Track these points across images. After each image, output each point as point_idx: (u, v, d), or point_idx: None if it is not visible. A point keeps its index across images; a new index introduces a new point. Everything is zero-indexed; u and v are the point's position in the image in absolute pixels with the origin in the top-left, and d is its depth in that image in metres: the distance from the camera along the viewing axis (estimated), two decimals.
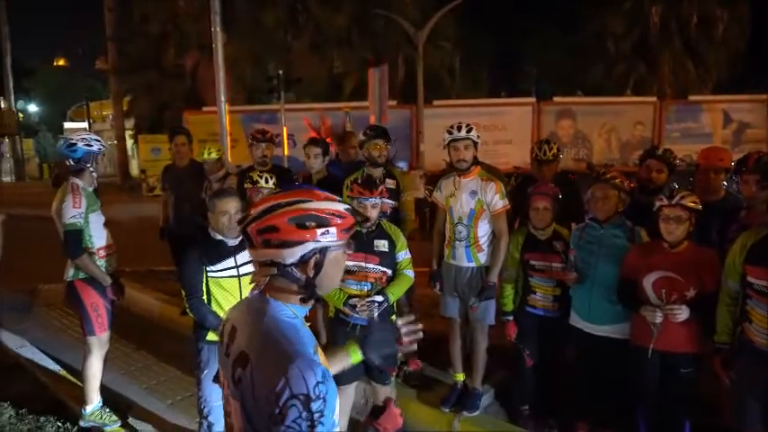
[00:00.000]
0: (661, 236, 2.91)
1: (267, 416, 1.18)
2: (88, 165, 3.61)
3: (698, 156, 3.71)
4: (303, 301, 1.36)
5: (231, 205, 2.96)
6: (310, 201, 1.33)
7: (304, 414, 1.16)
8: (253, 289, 1.41)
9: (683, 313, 2.78)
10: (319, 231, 1.31)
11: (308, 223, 1.30)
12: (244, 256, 3.02)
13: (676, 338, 2.87)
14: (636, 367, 3.06)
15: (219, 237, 3.01)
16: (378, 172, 4.14)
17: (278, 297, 1.35)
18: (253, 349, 1.27)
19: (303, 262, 1.32)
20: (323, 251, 1.33)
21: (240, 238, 3.05)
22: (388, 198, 4.07)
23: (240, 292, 3.02)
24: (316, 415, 1.17)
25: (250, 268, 3.04)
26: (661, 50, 20.03)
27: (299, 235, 1.30)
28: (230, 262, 3.00)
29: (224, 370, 1.41)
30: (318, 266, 1.33)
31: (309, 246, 1.30)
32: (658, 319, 2.83)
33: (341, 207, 1.36)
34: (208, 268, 2.97)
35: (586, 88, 21.06)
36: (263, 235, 1.31)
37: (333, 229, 1.32)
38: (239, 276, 3.02)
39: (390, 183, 4.15)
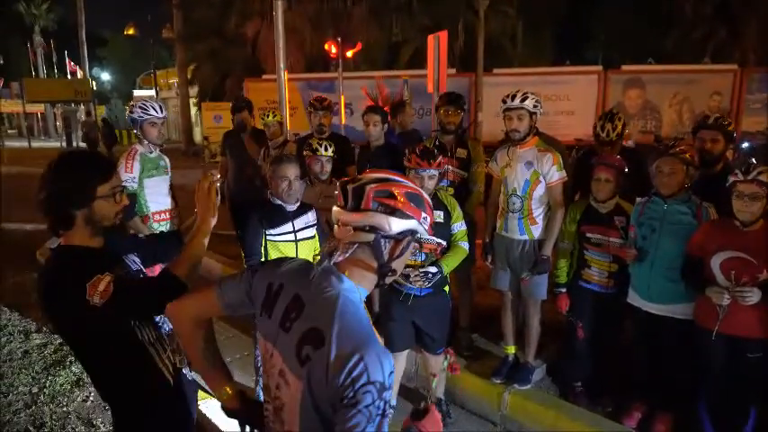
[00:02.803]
0: (731, 213, 2.74)
1: (339, 398, 1.15)
2: (135, 131, 3.82)
3: None
4: (377, 280, 1.36)
5: (291, 171, 3.04)
6: (415, 186, 1.37)
7: (377, 402, 1.15)
8: (324, 255, 1.37)
9: (753, 296, 2.62)
10: (423, 215, 1.35)
11: (415, 203, 1.34)
12: (301, 221, 3.13)
13: (744, 322, 2.72)
14: (699, 350, 2.95)
15: (279, 202, 3.09)
16: (449, 139, 4.11)
17: (352, 275, 1.34)
18: (330, 329, 1.22)
19: (397, 239, 1.33)
20: (413, 235, 1.35)
21: (298, 204, 3.14)
22: (458, 168, 4.05)
23: (297, 255, 3.12)
24: (386, 405, 1.16)
25: (307, 234, 3.16)
26: (746, 13, 18.44)
27: (410, 210, 1.32)
28: (288, 227, 3.09)
29: (273, 338, 1.36)
30: (404, 250, 1.36)
31: (412, 223, 1.33)
32: (725, 302, 2.69)
33: (431, 203, 1.41)
34: (267, 232, 3.07)
35: (659, 55, 19.77)
36: (380, 198, 1.31)
37: (428, 219, 1.37)
38: (296, 241, 3.12)
39: (462, 152, 4.10)
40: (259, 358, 3.18)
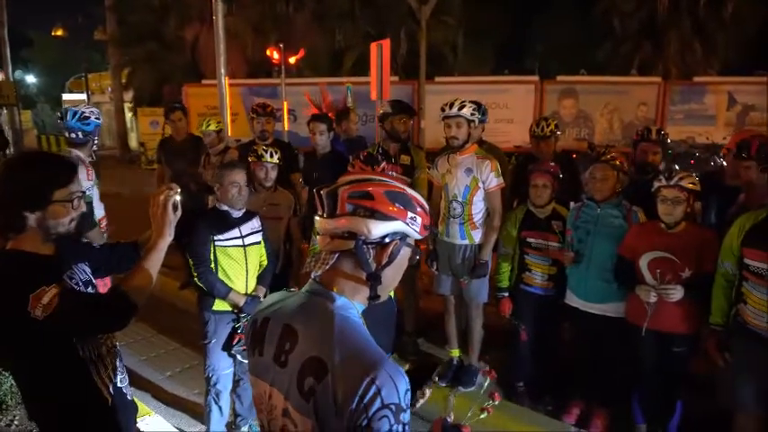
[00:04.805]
0: (657, 216, 2.91)
1: (352, 428, 1.04)
2: (96, 138, 3.69)
3: (729, 141, 3.70)
4: (369, 296, 1.23)
5: (240, 176, 3.06)
6: (400, 184, 1.24)
7: (395, 427, 1.04)
8: (313, 268, 1.22)
9: (676, 293, 2.80)
10: (409, 214, 1.20)
11: (399, 202, 1.20)
12: (247, 227, 3.14)
13: (670, 318, 2.90)
14: (631, 346, 3.10)
15: (225, 208, 3.08)
16: (394, 147, 4.14)
17: (343, 290, 1.21)
18: (330, 355, 1.09)
19: (383, 245, 1.19)
20: (403, 238, 1.22)
21: (244, 211, 3.13)
22: (402, 174, 4.08)
23: (246, 260, 3.12)
24: (406, 427, 1.06)
25: (254, 239, 3.15)
26: (668, 30, 19.72)
27: (391, 210, 1.18)
28: (236, 232, 3.08)
29: (269, 377, 1.21)
30: (393, 256, 1.21)
31: (397, 225, 1.19)
32: (652, 299, 2.86)
33: (424, 201, 1.27)
34: (215, 237, 3.04)
35: (592, 67, 20.77)
36: (354, 200, 1.18)
37: (419, 219, 1.22)
38: (245, 246, 3.11)
39: (405, 159, 4.15)
40: (210, 369, 3.11)
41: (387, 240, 1.20)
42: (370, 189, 1.19)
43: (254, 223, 3.21)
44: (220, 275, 3.06)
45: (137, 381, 4.02)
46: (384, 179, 1.23)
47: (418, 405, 1.45)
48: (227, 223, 3.08)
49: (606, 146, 3.99)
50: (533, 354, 3.65)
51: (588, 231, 3.24)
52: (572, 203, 3.49)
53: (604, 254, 3.17)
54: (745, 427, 2.72)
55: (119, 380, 1.86)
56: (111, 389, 1.81)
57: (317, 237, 1.25)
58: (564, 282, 3.41)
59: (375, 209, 1.17)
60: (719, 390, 2.88)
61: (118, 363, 1.88)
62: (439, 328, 4.08)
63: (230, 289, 3.05)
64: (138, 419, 3.44)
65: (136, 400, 2.08)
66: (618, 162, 3.18)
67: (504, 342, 3.94)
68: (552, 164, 3.55)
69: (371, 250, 1.20)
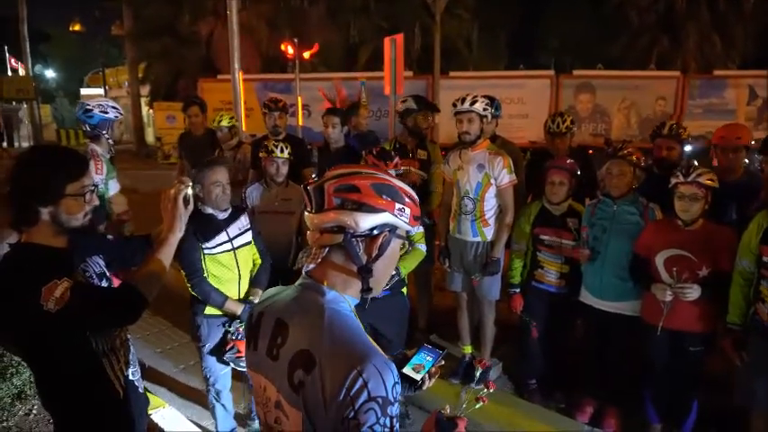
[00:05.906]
0: (676, 213, 2.87)
1: (339, 420, 1.04)
2: (104, 132, 3.66)
3: (714, 135, 3.60)
4: (362, 289, 1.23)
5: (222, 175, 2.87)
6: (387, 176, 1.24)
7: (382, 419, 1.04)
8: (305, 263, 1.23)
9: (693, 292, 2.76)
10: (397, 206, 1.20)
11: (386, 194, 1.20)
12: (235, 228, 2.99)
13: (686, 317, 2.86)
14: (645, 345, 3.07)
15: (209, 210, 2.91)
16: (412, 142, 4.14)
17: (334, 284, 1.21)
18: (319, 348, 1.10)
19: (372, 237, 1.20)
20: (392, 230, 1.22)
21: (229, 212, 2.99)
22: (419, 169, 4.09)
23: (237, 265, 3.01)
24: (393, 420, 1.06)
25: (243, 240, 3.02)
26: (687, 23, 19.37)
27: (379, 202, 1.18)
28: (223, 236, 2.94)
29: (264, 369, 1.23)
30: (383, 248, 1.21)
31: (385, 217, 1.19)
32: (668, 298, 2.82)
33: (413, 192, 1.26)
34: (203, 246, 2.90)
35: (608, 61, 20.50)
36: (340, 194, 1.18)
37: (407, 210, 1.22)
38: (234, 249, 2.98)
39: (422, 154, 4.15)
40: (207, 370, 3.10)
41: (375, 233, 1.20)
42: (356, 182, 1.19)
43: (243, 221, 3.03)
44: (212, 283, 2.95)
45: (151, 373, 4.08)
46: (371, 172, 1.23)
47: (424, 387, 1.47)
48: (213, 227, 2.91)
49: (623, 141, 3.92)
50: (544, 351, 3.63)
51: (604, 228, 3.20)
52: (587, 200, 3.45)
53: (620, 251, 3.12)
54: (761, 428, 2.68)
55: (130, 372, 1.88)
56: (122, 381, 1.83)
57: (308, 233, 1.25)
58: (577, 280, 3.38)
59: (362, 201, 1.18)
60: (736, 389, 2.84)
61: (130, 355, 1.90)
62: (452, 324, 4.07)
63: (226, 298, 2.94)
64: (152, 411, 3.50)
65: (148, 392, 2.11)
66: (635, 158, 3.13)
67: (517, 339, 3.92)
68: (570, 161, 3.51)
69: (361, 243, 1.20)
